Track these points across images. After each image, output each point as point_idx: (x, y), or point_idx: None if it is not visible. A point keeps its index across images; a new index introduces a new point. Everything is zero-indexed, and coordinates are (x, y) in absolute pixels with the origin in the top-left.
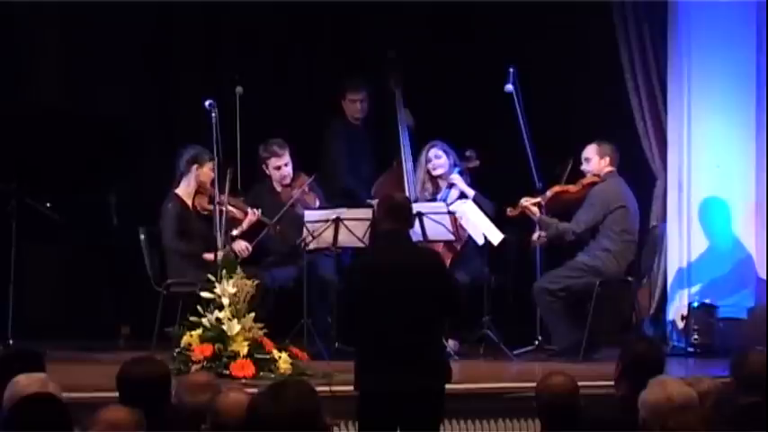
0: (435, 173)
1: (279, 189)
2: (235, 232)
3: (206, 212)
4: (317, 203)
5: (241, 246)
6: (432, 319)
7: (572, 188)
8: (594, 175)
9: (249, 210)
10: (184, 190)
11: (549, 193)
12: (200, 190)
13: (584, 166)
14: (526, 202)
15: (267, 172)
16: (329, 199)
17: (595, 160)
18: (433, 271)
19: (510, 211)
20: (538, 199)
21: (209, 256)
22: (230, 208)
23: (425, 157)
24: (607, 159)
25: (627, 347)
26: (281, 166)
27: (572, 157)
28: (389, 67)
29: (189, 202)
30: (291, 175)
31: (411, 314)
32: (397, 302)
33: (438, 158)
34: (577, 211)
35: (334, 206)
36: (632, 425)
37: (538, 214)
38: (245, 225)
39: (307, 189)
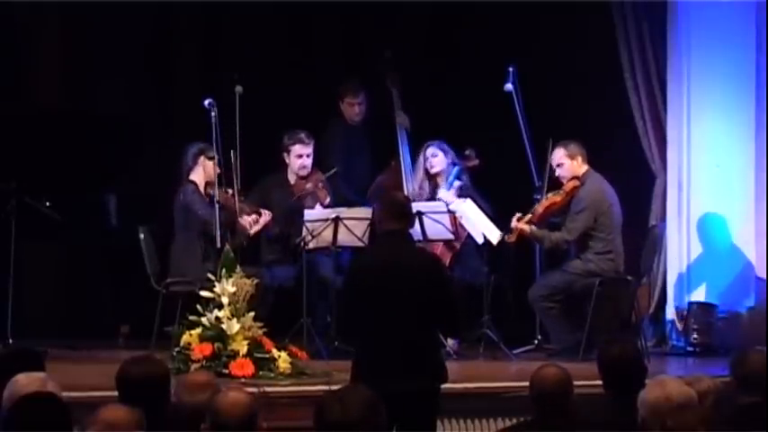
0: (433, 171)
1: (293, 181)
2: (251, 232)
3: (217, 201)
4: (328, 200)
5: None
6: (429, 320)
7: (557, 198)
8: (573, 178)
9: (262, 211)
10: (197, 178)
11: (539, 209)
12: (209, 181)
13: (558, 172)
14: (518, 223)
15: (287, 160)
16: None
17: (567, 164)
18: (431, 272)
19: (508, 238)
20: (528, 216)
21: (247, 219)
22: (239, 203)
23: (423, 157)
24: (579, 159)
25: (600, 356)
26: (303, 155)
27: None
28: (386, 67)
29: (202, 190)
30: (310, 167)
31: (408, 314)
32: (395, 302)
33: (434, 156)
34: (566, 220)
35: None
36: (631, 424)
37: (529, 230)
38: (260, 224)
39: (321, 185)
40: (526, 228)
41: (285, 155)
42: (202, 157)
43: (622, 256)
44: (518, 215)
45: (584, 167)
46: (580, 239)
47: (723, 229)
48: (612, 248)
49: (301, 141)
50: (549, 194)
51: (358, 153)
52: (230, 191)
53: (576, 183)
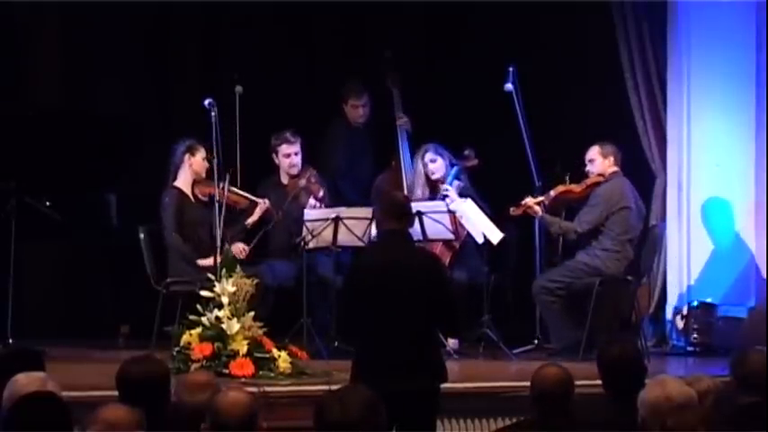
0: (434, 177)
1: (285, 181)
2: (249, 221)
3: (207, 198)
4: (322, 193)
5: (238, 248)
6: (428, 320)
7: (576, 188)
8: (599, 174)
9: (258, 200)
10: (182, 181)
11: (553, 193)
12: (197, 179)
13: (589, 168)
14: (529, 201)
15: (276, 161)
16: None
17: (599, 161)
18: (431, 272)
19: (513, 210)
20: (541, 198)
21: (204, 262)
22: (230, 195)
23: (421, 163)
24: (611, 159)
25: (601, 356)
26: (290, 153)
27: (558, 163)
28: (386, 67)
29: (188, 192)
30: (300, 165)
31: (408, 314)
32: (395, 302)
33: (433, 162)
34: (580, 211)
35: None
36: (631, 424)
37: (539, 213)
38: (256, 215)
39: (313, 179)
40: (537, 208)
41: (274, 156)
42: (188, 155)
43: (628, 260)
44: (530, 197)
45: (614, 168)
46: (591, 234)
47: (727, 214)
48: (621, 249)
49: (287, 141)
50: (572, 184)
51: (361, 155)
52: (222, 184)
53: (600, 179)
